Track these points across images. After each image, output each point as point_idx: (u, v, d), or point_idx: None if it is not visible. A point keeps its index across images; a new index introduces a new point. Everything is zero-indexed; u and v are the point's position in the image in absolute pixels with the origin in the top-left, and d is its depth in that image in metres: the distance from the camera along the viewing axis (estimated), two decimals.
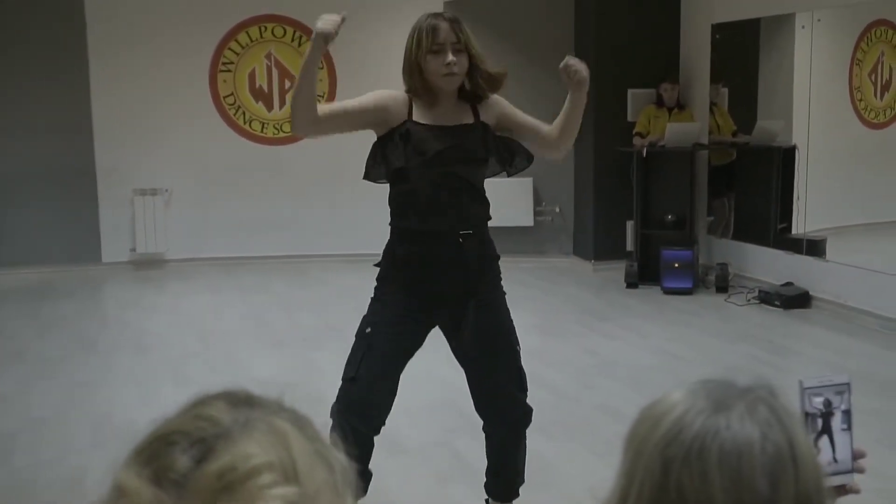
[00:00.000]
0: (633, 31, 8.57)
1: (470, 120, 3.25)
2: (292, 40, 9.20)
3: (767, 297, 7.26)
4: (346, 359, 3.32)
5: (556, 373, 5.66)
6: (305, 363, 5.94)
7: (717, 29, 8.24)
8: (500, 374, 3.38)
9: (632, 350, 6.17)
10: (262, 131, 9.24)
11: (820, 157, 7.57)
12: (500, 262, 3.40)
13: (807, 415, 1.31)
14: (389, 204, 3.29)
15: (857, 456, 1.35)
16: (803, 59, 7.67)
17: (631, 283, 7.98)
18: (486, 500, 3.64)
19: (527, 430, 3.52)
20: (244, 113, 9.20)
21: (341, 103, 3.25)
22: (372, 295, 3.33)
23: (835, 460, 1.33)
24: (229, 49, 9.14)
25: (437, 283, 3.23)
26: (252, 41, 9.16)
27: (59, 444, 4.58)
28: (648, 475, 0.97)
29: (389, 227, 3.31)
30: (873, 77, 7.67)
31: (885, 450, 4.27)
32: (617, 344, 6.32)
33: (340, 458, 0.84)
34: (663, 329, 6.73)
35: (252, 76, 9.21)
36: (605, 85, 8.60)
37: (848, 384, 1.34)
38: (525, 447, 3.55)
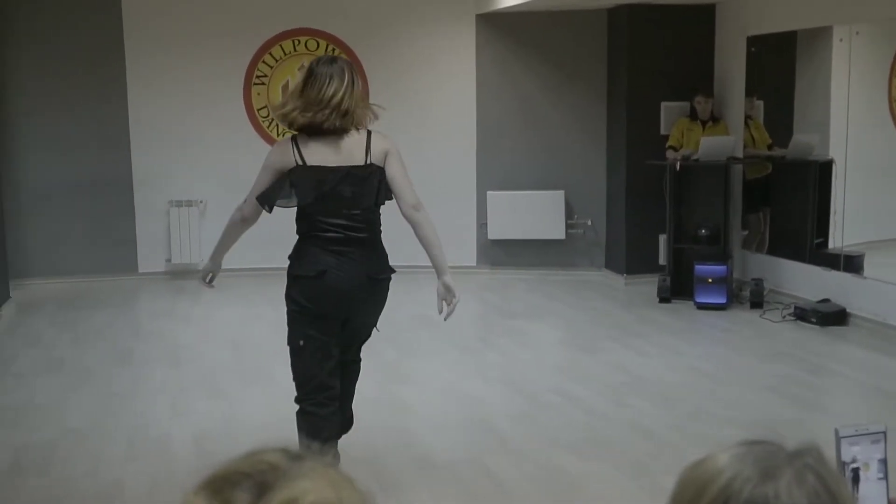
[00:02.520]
0: (667, 44, 8.53)
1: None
2: (325, 53, 9.24)
3: (803, 314, 7.18)
4: None
5: (585, 389, 5.64)
6: None
7: (753, 41, 8.18)
8: None
9: (663, 367, 6.12)
10: None
11: (857, 170, 7.49)
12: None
13: (843, 464, 1.30)
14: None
15: None
16: (841, 71, 7.59)
17: (663, 298, 7.93)
18: None
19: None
20: (277, 125, 9.26)
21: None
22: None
23: None
24: (263, 62, 9.21)
25: None
26: (286, 54, 9.23)
27: (95, 457, 4.63)
28: None
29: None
30: None
31: None
32: (648, 360, 6.28)
33: None
34: (696, 346, 6.68)
35: (286, 89, 9.26)
36: (638, 98, 8.58)
37: (884, 433, 1.33)
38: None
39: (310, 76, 3.82)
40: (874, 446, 1.32)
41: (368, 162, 3.84)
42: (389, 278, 3.97)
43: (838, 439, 1.30)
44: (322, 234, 3.88)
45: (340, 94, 3.76)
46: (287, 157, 3.89)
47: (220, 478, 0.85)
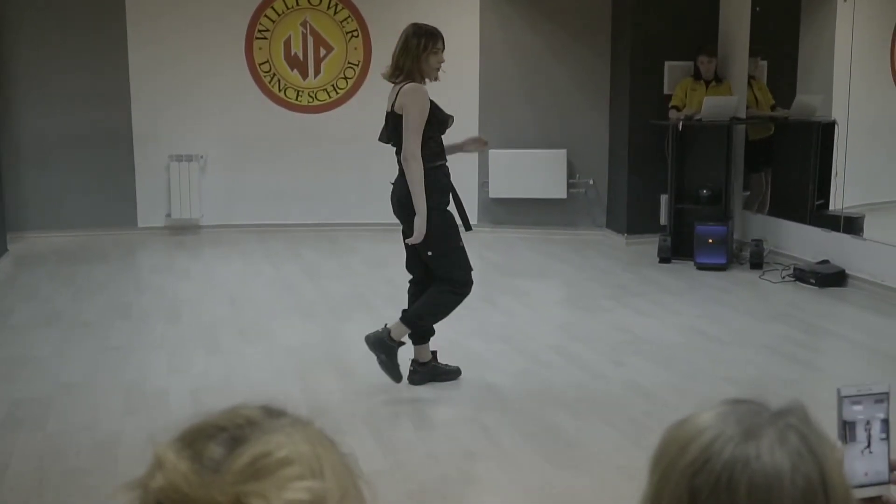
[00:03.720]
0: (672, 3, 8.45)
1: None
2: (328, 8, 9.16)
3: (803, 275, 7.17)
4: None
5: (584, 348, 5.64)
6: (333, 333, 5.96)
7: (757, 1, 8.09)
8: None
9: (662, 327, 6.13)
10: (296, 99, 9.23)
11: (859, 132, 7.45)
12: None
13: (844, 423, 1.28)
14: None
15: (894, 466, 1.32)
16: (844, 32, 7.52)
17: (664, 258, 7.92)
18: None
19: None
20: (279, 81, 9.19)
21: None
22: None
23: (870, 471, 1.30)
24: (265, 16, 9.13)
25: None
26: (288, 8, 9.14)
27: (92, 410, 4.64)
28: (675, 502, 0.95)
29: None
30: None
31: None
32: (647, 320, 6.28)
33: (362, 476, 0.88)
34: (695, 306, 6.68)
35: (287, 44, 9.19)
36: (641, 57, 8.51)
37: (887, 393, 1.31)
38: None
39: None
40: (877, 406, 1.30)
41: (391, 109, 4.69)
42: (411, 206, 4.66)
43: (840, 399, 1.28)
44: None
45: (397, 50, 4.72)
46: None
47: (195, 430, 0.85)
